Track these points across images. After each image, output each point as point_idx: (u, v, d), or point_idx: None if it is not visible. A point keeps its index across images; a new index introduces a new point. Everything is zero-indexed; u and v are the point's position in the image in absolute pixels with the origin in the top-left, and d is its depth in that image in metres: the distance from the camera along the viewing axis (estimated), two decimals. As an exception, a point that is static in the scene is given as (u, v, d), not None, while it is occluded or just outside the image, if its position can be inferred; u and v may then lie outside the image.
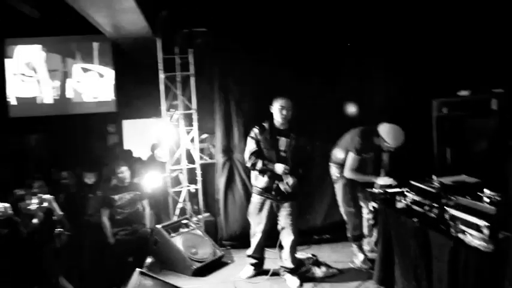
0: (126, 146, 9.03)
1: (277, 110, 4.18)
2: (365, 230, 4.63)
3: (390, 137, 4.08)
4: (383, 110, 5.05)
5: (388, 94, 5.24)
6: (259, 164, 4.14)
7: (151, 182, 5.60)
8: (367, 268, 4.42)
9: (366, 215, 4.60)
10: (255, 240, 4.44)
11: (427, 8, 5.02)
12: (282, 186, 4.12)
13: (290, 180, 4.10)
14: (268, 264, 4.57)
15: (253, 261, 4.51)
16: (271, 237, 4.33)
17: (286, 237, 4.26)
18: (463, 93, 4.76)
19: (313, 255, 4.74)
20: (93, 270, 5.01)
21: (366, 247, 4.65)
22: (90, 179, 5.50)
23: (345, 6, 5.19)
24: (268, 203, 4.26)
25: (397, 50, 5.21)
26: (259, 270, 4.54)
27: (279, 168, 4.09)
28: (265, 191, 4.23)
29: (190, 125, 5.81)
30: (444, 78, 4.93)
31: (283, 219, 4.24)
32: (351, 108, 5.28)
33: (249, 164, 4.24)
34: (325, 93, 5.34)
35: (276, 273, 4.44)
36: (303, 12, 5.18)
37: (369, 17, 5.20)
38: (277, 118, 4.21)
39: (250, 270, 4.52)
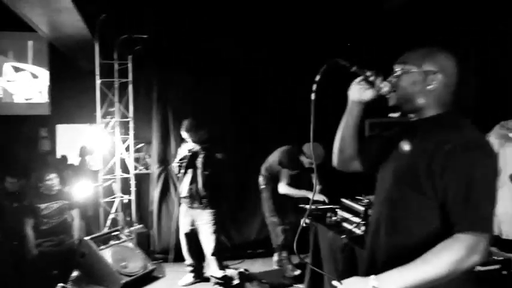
0: (59, 152, 8.61)
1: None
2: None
3: (312, 152, 4.25)
4: (319, 129, 5.16)
5: (323, 113, 5.36)
6: (174, 165, 4.47)
7: (82, 191, 5.36)
8: (296, 275, 4.56)
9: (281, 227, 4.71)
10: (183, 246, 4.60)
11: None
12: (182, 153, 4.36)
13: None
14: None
15: (189, 268, 4.63)
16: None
17: (207, 246, 4.37)
18: (393, 115, 5.00)
19: (245, 270, 4.75)
20: (13, 284, 4.70)
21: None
22: (12, 184, 5.17)
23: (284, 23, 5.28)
24: (189, 211, 4.43)
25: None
26: (199, 277, 4.67)
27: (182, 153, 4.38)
28: (184, 199, 4.43)
29: (127, 133, 5.63)
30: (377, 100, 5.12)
31: (202, 227, 4.37)
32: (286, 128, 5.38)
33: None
34: (262, 108, 5.39)
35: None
36: (245, 24, 5.21)
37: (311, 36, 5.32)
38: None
39: (189, 277, 4.65)
